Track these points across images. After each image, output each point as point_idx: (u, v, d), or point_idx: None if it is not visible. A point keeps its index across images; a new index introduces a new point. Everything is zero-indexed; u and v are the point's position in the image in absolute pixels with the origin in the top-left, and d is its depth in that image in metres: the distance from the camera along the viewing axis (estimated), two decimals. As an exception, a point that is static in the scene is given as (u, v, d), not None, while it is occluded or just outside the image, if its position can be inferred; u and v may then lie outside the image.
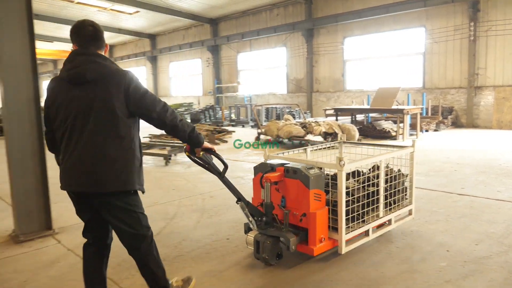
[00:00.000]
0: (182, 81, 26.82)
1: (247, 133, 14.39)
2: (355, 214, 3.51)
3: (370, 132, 12.24)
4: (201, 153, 2.83)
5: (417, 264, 3.43)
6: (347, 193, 3.42)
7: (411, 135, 12.01)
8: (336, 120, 12.67)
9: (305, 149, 4.40)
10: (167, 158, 8.54)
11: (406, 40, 15.61)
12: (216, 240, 4.14)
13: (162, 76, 27.89)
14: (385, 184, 3.82)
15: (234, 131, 14.12)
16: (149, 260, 2.69)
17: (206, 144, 2.82)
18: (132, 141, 2.48)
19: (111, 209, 2.51)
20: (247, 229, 3.58)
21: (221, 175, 3.09)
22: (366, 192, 3.64)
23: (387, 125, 12.44)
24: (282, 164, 3.48)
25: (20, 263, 3.73)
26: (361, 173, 3.91)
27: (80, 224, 3.87)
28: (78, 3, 20.32)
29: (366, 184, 3.70)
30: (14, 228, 4.43)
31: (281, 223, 3.39)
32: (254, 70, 21.91)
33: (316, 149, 4.55)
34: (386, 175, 3.85)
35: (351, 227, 3.50)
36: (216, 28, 23.06)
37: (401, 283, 3.12)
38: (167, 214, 5.07)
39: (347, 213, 3.40)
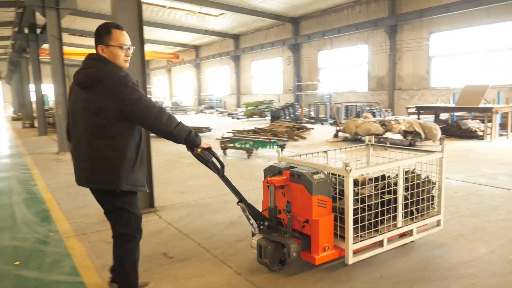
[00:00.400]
0: (263, 80, 27.64)
1: (325, 131, 14.64)
2: (366, 222, 3.32)
3: (454, 131, 11.83)
4: (199, 150, 2.94)
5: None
6: (359, 200, 3.30)
7: (500, 135, 11.41)
8: (418, 118, 12.42)
9: (325, 151, 4.25)
10: (249, 152, 9.19)
11: (499, 34, 14.68)
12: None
13: (244, 74, 28.97)
14: (406, 192, 3.58)
15: (312, 128, 14.47)
16: (128, 262, 2.76)
17: (203, 144, 2.88)
18: (124, 143, 2.56)
19: (104, 205, 2.72)
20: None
21: (220, 173, 3.17)
22: (380, 200, 3.43)
23: (473, 124, 11.92)
24: (290, 168, 3.37)
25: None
26: (386, 179, 3.75)
27: (177, 203, 4.68)
28: (170, 7, 22.01)
29: (382, 191, 3.51)
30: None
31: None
32: (334, 68, 21.96)
33: (346, 150, 4.46)
34: (408, 182, 3.61)
35: (361, 237, 3.31)
36: (297, 27, 23.46)
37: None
38: (249, 199, 5.63)
39: (356, 222, 3.24)
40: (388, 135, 10.49)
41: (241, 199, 3.29)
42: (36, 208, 5.63)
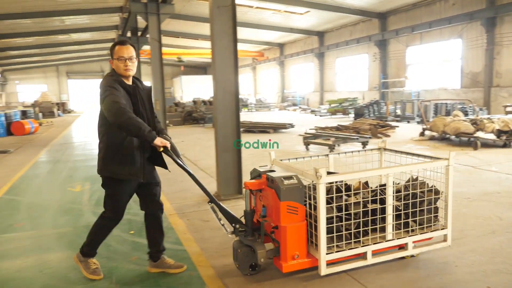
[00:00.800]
0: (347, 77, 27.36)
1: (411, 129, 14.25)
2: (345, 232, 3.11)
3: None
4: (160, 149, 3.03)
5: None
6: (343, 208, 3.12)
7: None
8: (516, 117, 11.58)
9: (327, 155, 4.14)
10: (331, 148, 9.43)
11: None
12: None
13: (328, 71, 28.91)
14: (401, 201, 3.33)
15: (397, 126, 14.17)
16: (93, 230, 3.36)
17: (156, 142, 2.98)
18: (105, 136, 3.13)
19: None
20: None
21: (188, 172, 3.22)
22: (363, 209, 3.20)
23: None
24: (269, 172, 3.27)
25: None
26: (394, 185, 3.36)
27: None
28: (257, 7, 22.80)
29: (373, 198, 3.26)
30: (217, 190, 5.92)
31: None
32: (423, 64, 21.06)
33: (353, 154, 4.15)
34: (407, 190, 3.36)
35: (339, 247, 3.11)
36: (385, 23, 22.87)
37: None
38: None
39: (332, 231, 3.08)
40: (480, 134, 10.00)
41: (212, 200, 3.27)
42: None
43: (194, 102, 25.54)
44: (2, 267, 3.66)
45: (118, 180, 3.18)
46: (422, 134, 11.78)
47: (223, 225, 3.27)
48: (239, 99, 5.81)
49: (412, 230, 3.36)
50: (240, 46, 36.48)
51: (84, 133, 17.24)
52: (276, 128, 14.80)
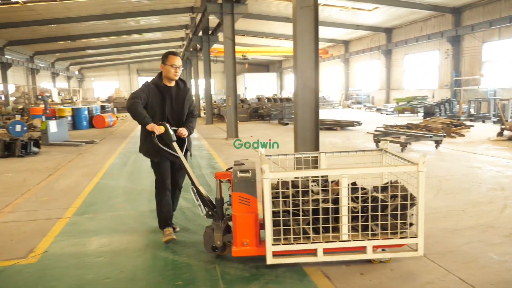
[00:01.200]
0: (415, 74, 26.46)
1: (487, 129, 13.61)
2: (292, 227, 3.20)
3: None
4: (156, 133, 3.74)
5: None
6: (294, 204, 3.22)
7: None
8: None
9: (320, 153, 4.07)
10: (403, 146, 9.34)
11: None
12: (450, 210, 4.84)
13: (395, 69, 28.12)
14: (359, 203, 3.27)
15: (472, 126, 13.60)
16: (157, 208, 4.17)
17: (148, 126, 3.74)
18: (141, 127, 3.97)
19: None
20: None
21: (185, 156, 3.97)
22: (314, 207, 3.20)
23: None
24: (238, 165, 3.54)
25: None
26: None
27: None
28: (324, 5, 22.75)
29: (328, 197, 3.27)
30: (294, 181, 6.19)
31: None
32: (502, 61, 19.87)
33: (357, 154, 4.06)
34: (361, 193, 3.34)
35: (286, 240, 3.21)
36: (459, 18, 21.83)
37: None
38: (407, 188, 5.98)
39: (279, 224, 3.20)
40: None
41: (192, 184, 3.75)
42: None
43: (258, 99, 26.07)
44: (114, 240, 4.19)
45: (154, 161, 4.08)
46: (500, 134, 11.25)
47: (199, 205, 3.69)
48: (318, 95, 6.03)
49: (373, 234, 3.23)
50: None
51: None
52: (343, 125, 14.80)
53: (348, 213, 3.19)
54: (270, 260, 3.21)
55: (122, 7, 22.29)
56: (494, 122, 15.53)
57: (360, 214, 3.24)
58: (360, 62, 32.91)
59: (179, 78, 4.12)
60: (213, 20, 18.72)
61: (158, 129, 3.74)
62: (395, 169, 3.32)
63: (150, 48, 41.84)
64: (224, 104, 25.12)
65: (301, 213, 3.23)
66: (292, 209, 3.21)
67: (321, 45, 37.06)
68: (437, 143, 9.79)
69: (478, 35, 20.63)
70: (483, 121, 16.13)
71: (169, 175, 4.08)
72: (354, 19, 26.33)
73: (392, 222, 3.23)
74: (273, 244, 3.20)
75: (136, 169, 8.05)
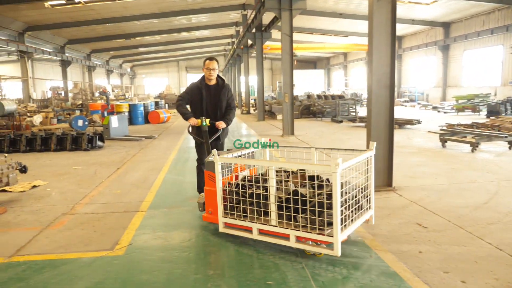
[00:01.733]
0: (475, 71, 25.10)
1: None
2: (236, 205, 3.80)
3: None
4: (193, 124, 4.94)
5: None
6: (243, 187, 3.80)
7: None
8: None
9: (311, 147, 4.38)
10: (474, 146, 8.83)
11: None
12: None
13: (453, 65, 26.83)
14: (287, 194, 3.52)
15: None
16: (197, 178, 5.32)
17: (189, 121, 4.92)
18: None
19: None
20: None
21: (216, 142, 5.09)
22: (249, 192, 3.71)
23: None
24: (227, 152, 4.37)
25: (378, 203, 5.14)
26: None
27: (410, 186, 5.08)
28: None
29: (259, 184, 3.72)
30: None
31: None
32: None
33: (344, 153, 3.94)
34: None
35: (232, 216, 3.83)
36: (526, 10, 20.47)
37: None
38: (488, 191, 5.61)
39: (230, 201, 3.85)
40: None
41: (202, 160, 5.01)
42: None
43: (308, 96, 25.74)
44: (193, 235, 4.19)
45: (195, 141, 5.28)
46: None
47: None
48: (394, 92, 5.77)
49: (296, 226, 3.44)
50: (357, 40, 35.70)
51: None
52: (401, 124, 14.26)
53: (275, 201, 3.53)
54: (221, 229, 3.94)
55: (175, 5, 22.73)
56: None
57: (284, 204, 3.48)
58: (414, 58, 31.70)
59: (219, 76, 5.17)
60: (265, 17, 18.65)
61: (194, 122, 4.90)
62: (311, 167, 3.50)
63: (199, 46, 42.56)
64: (274, 101, 25.06)
65: (241, 196, 3.79)
66: (240, 191, 3.80)
67: (372, 41, 36.03)
68: (511, 143, 9.18)
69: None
70: (556, 121, 14.98)
71: (204, 153, 4.90)
72: (410, 14, 25.33)
73: (311, 217, 3.35)
74: (223, 216, 3.91)
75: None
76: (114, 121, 12.69)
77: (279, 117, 19.66)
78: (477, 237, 3.93)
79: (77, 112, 22.56)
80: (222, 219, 3.90)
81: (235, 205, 3.81)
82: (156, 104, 22.77)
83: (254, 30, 18.52)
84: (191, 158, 8.80)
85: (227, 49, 48.18)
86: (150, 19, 24.68)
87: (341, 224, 3.23)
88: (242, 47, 24.53)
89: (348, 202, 3.47)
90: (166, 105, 30.05)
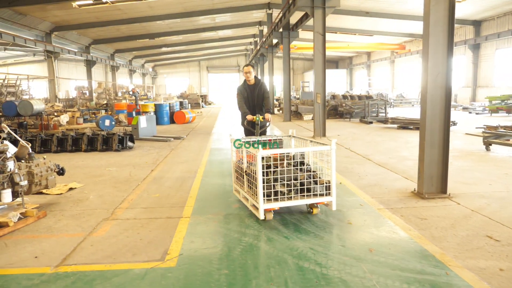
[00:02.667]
0: (508, 70, 24.20)
1: None
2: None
3: None
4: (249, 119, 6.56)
5: None
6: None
7: None
8: None
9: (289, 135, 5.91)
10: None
11: None
12: None
13: (484, 65, 25.95)
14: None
15: None
16: None
17: (247, 117, 6.58)
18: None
19: None
20: None
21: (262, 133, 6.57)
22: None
23: None
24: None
25: (437, 211, 4.80)
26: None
27: (467, 193, 4.69)
28: (409, -3, 21.45)
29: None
30: (418, 187, 5.62)
31: None
32: None
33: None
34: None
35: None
36: None
37: None
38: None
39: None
40: None
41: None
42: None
43: (333, 96, 25.30)
44: (251, 244, 3.94)
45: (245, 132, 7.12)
46: None
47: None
48: (450, 93, 5.40)
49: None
50: (378, 39, 35.00)
51: (236, 125, 18.30)
52: (435, 125, 13.73)
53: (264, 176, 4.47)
54: (233, 191, 5.59)
55: (201, 4, 22.62)
56: None
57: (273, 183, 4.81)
58: (442, 58, 30.80)
59: (255, 77, 6.93)
60: (292, 16, 18.32)
61: (250, 118, 6.55)
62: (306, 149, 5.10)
63: (220, 46, 42.48)
64: (299, 101, 24.68)
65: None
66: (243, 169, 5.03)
67: (398, 39, 35.36)
68: None
69: None
70: None
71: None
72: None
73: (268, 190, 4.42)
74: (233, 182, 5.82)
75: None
76: (142, 121, 12.58)
77: (306, 117, 19.33)
78: (561, 254, 3.56)
79: (103, 112, 22.68)
80: (233, 184, 5.49)
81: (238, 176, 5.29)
82: (181, 104, 22.68)
83: (281, 29, 18.21)
84: (226, 161, 8.58)
85: (249, 48, 47.99)
86: (174, 19, 24.65)
87: (273, 196, 4.44)
88: (267, 46, 24.23)
89: (283, 181, 4.53)
90: (189, 105, 30.03)
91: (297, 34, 18.24)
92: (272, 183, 4.45)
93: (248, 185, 4.75)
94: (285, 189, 4.47)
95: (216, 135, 13.77)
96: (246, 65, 6.86)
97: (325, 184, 4.55)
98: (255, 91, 6.88)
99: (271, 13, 24.76)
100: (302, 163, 4.78)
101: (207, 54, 49.36)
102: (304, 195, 4.45)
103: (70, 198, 5.78)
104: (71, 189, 6.26)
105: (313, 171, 4.76)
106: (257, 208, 4.44)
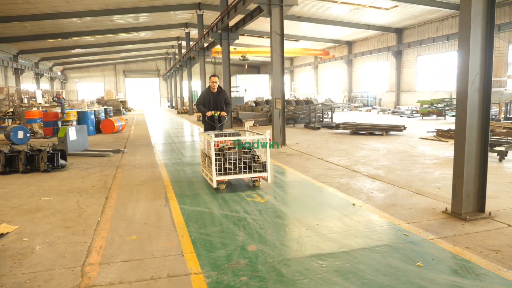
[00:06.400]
0: (430, 76, 25.62)
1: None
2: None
3: None
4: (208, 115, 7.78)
5: None
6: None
7: None
8: None
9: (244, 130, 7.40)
10: (503, 155, 8.14)
11: None
12: None
13: (406, 70, 27.22)
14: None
15: (535, 130, 12.58)
16: None
17: (207, 113, 7.75)
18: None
19: None
20: None
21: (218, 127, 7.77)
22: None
23: None
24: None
25: (500, 239, 3.99)
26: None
27: (507, 209, 3.88)
28: (342, 3, 21.56)
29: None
30: (452, 207, 4.82)
31: None
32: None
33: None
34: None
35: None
36: (481, 17, 21.05)
37: None
38: None
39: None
40: None
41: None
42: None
43: (267, 101, 24.61)
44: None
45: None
46: None
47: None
48: (490, 98, 4.66)
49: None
50: (303, 44, 35.33)
51: (173, 131, 16.61)
52: (388, 129, 13.55)
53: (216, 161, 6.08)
54: (201, 172, 7.20)
55: (126, 1, 20.52)
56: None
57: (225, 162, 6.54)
58: (365, 64, 31.96)
59: (218, 86, 7.93)
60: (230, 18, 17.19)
61: (210, 114, 7.71)
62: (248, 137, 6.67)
63: (140, 48, 39.89)
64: (240, 107, 23.53)
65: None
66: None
67: (323, 45, 36.04)
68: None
69: (504, 35, 19.89)
70: (527, 125, 15.19)
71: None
72: (366, 19, 25.28)
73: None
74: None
75: (208, 187, 6.49)
76: (72, 133, 10.52)
77: (247, 124, 18.27)
78: None
79: (9, 122, 19.47)
80: (201, 167, 6.98)
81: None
82: (105, 111, 20.29)
83: (219, 30, 16.97)
84: (196, 180, 7.13)
85: (170, 52, 45.77)
86: (94, 17, 22.11)
87: (222, 171, 6.08)
88: (198, 49, 22.79)
89: (231, 161, 6.16)
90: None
91: (237, 36, 17.14)
92: (222, 162, 6.08)
93: (208, 164, 6.36)
94: (232, 166, 6.09)
95: (159, 146, 12.10)
96: (213, 75, 7.91)
97: (262, 163, 6.25)
98: (218, 97, 7.90)
99: (202, 14, 23.41)
100: (249, 151, 6.42)
101: (125, 57, 46.17)
102: (247, 171, 6.16)
103: (6, 252, 4.01)
104: (1, 235, 4.45)
105: (256, 156, 6.38)
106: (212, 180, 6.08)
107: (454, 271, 3.35)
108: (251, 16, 14.23)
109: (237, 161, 6.10)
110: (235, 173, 6.07)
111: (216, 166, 5.95)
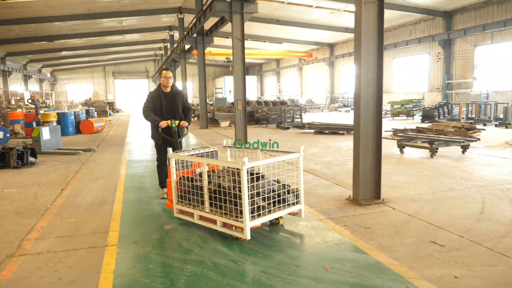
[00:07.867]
0: (405, 77, 26.51)
1: (496, 132, 13.50)
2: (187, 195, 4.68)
3: None
4: (163, 126, 5.59)
5: None
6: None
7: None
8: None
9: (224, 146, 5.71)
10: (433, 151, 8.94)
11: None
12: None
13: (384, 72, 28.07)
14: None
15: (484, 129, 13.44)
16: (157, 173, 6.08)
17: (160, 124, 5.58)
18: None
19: None
20: None
21: (176, 144, 5.64)
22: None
23: None
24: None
25: (377, 219, 4.78)
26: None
27: (399, 197, 4.75)
28: (316, 7, 22.40)
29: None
30: (353, 194, 5.60)
31: None
32: (493, 64, 20.05)
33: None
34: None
35: (183, 203, 4.65)
36: (450, 22, 21.98)
37: None
38: (474, 199, 5.50)
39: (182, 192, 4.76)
40: None
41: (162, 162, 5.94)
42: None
43: (248, 102, 25.38)
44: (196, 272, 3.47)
45: (156, 142, 5.95)
46: (518, 138, 11.07)
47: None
48: (381, 99, 5.46)
49: (222, 213, 4.10)
50: (287, 46, 36.18)
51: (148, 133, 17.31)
52: (349, 129, 14.36)
53: (207, 193, 4.28)
54: (175, 214, 4.74)
55: (107, 6, 21.20)
56: (496, 125, 15.51)
57: (212, 195, 4.25)
58: (346, 65, 32.82)
59: (173, 84, 5.87)
60: (207, 22, 17.96)
61: (164, 125, 5.58)
62: (227, 164, 4.53)
63: (128, 50, 40.50)
64: (216, 107, 24.32)
65: (192, 188, 4.47)
66: (187, 183, 4.58)
67: (306, 47, 36.87)
68: (464, 147, 9.45)
69: (470, 39, 20.79)
70: (485, 124, 16.07)
71: (165, 154, 5.39)
72: (343, 22, 26.14)
73: (230, 206, 4.01)
74: (176, 203, 4.68)
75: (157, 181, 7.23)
76: (45, 132, 11.21)
77: (223, 124, 19.06)
78: (501, 254, 3.67)
79: (-7, 122, 20.06)
80: (176, 206, 4.69)
81: (184, 194, 4.58)
82: (87, 112, 20.96)
83: (195, 35, 17.73)
84: (147, 174, 7.90)
85: (158, 54, 46.45)
86: (76, 20, 22.78)
87: (254, 213, 3.91)
88: (179, 52, 23.51)
89: (263, 195, 4.09)
90: (96, 112, 27.98)
91: (212, 40, 17.91)
92: (254, 199, 3.93)
93: (214, 203, 4.19)
94: (265, 203, 4.06)
95: (131, 145, 12.82)
96: (166, 69, 5.77)
97: (295, 193, 4.46)
98: (173, 100, 5.77)
99: (183, 18, 24.14)
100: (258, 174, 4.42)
101: (113, 59, 46.76)
102: (280, 207, 4.21)
103: (-40, 231, 4.74)
104: (-40, 219, 5.17)
105: (279, 181, 4.46)
106: (229, 228, 4.06)
107: (323, 240, 4.12)
108: (221, 21, 15.00)
109: (270, 194, 4.13)
110: (269, 212, 4.08)
111: (248, 204, 3.79)
